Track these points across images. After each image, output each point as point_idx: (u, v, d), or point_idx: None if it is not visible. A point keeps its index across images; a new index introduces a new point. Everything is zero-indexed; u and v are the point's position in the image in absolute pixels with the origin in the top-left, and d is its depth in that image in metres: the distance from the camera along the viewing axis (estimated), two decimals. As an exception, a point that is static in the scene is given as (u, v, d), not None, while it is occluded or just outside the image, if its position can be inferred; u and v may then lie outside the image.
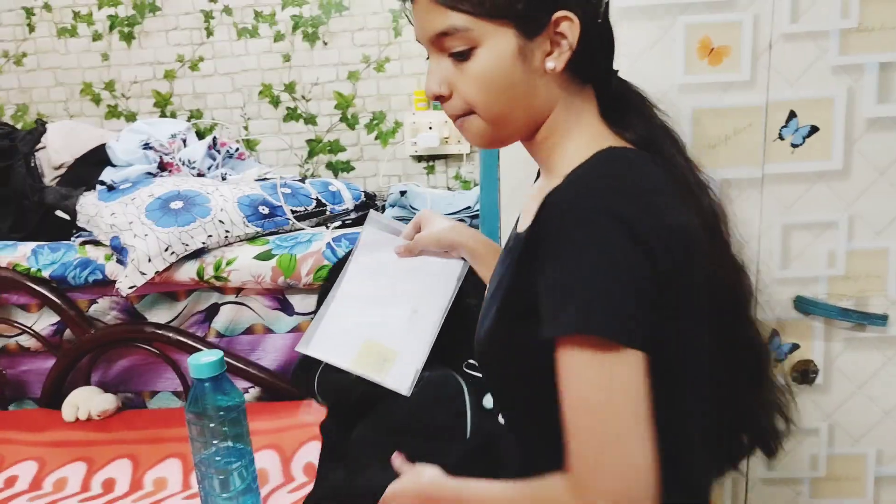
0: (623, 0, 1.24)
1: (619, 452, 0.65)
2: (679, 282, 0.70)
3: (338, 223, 1.63)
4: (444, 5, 0.73)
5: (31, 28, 2.03)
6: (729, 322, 0.81)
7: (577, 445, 0.66)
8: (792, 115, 1.27)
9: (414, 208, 1.59)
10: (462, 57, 0.75)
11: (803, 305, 1.32)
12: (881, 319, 1.30)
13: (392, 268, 1.09)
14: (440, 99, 0.79)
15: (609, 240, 0.67)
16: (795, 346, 1.36)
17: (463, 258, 1.09)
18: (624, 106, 0.83)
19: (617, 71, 0.83)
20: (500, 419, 0.94)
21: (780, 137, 1.28)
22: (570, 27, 0.75)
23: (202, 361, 1.05)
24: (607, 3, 0.79)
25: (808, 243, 1.31)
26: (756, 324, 0.89)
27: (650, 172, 0.76)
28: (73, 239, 1.59)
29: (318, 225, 1.64)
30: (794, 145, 1.28)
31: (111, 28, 1.99)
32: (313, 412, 1.37)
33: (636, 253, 0.67)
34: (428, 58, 0.80)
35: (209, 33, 1.97)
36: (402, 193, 1.60)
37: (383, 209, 1.70)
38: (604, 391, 0.65)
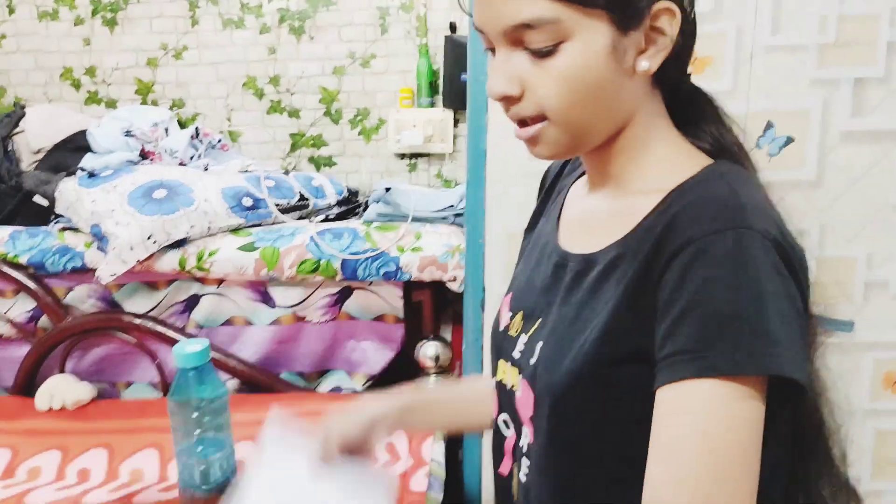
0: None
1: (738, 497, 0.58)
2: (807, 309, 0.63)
3: (321, 217, 1.63)
4: None
5: (11, 10, 2.00)
6: None
7: (692, 494, 0.57)
8: (769, 125, 1.31)
9: (399, 204, 1.60)
10: (544, 53, 0.64)
11: (775, 310, 1.36)
12: (848, 325, 1.35)
13: (305, 477, 0.82)
14: (508, 100, 0.67)
15: (762, 262, 0.59)
16: (766, 350, 1.40)
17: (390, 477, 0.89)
18: (696, 113, 0.74)
19: (690, 73, 0.73)
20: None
21: (758, 146, 1.32)
22: (670, 21, 0.65)
23: (188, 351, 1.05)
24: None
25: (781, 250, 1.36)
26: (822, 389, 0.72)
27: (764, 192, 0.68)
28: (51, 225, 1.58)
29: (300, 219, 1.65)
30: (770, 155, 1.32)
31: (94, 13, 1.97)
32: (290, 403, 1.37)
33: (792, 281, 0.60)
34: (490, 49, 0.68)
35: (194, 22, 1.95)
36: (387, 190, 1.61)
37: (366, 206, 1.71)
38: (741, 428, 0.58)
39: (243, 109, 2.00)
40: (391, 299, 1.55)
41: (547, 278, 0.75)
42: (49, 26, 1.99)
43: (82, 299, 1.54)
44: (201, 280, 1.53)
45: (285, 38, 1.94)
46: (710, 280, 0.58)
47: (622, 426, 0.65)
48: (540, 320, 0.74)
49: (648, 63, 0.65)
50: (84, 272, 1.50)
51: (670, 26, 0.64)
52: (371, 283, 1.52)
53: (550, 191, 0.88)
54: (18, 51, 2.02)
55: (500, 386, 0.78)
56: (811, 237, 1.33)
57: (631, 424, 0.64)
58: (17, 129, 1.77)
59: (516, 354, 0.75)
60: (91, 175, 1.58)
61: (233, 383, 1.53)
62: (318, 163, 2.01)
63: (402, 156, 1.97)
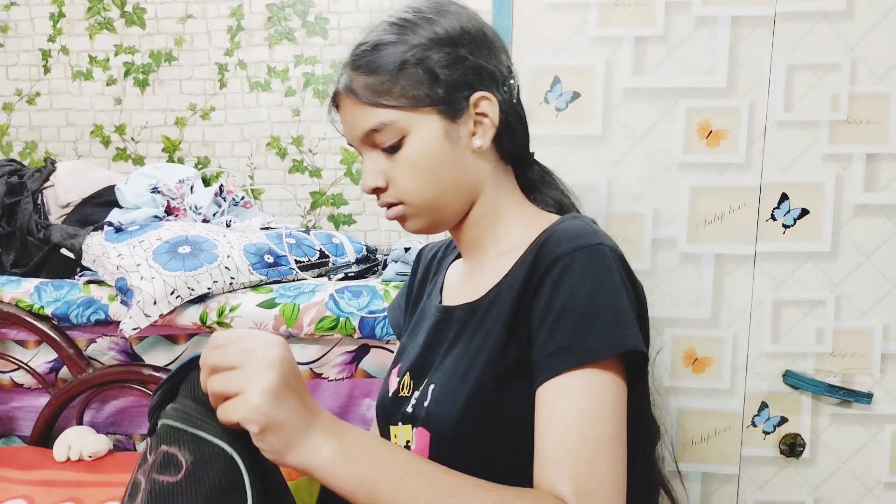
0: (629, 81, 1.32)
1: (618, 466, 0.67)
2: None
3: (340, 275, 1.66)
4: (370, 104, 0.78)
5: (47, 69, 2.07)
6: None
7: (581, 462, 0.65)
8: (784, 197, 1.34)
9: (416, 265, 1.62)
10: (393, 148, 0.79)
11: (792, 380, 1.36)
12: (866, 397, 1.35)
13: None
14: (377, 191, 0.82)
15: (614, 268, 0.72)
16: (784, 420, 1.40)
17: None
18: (541, 183, 0.91)
19: (533, 153, 0.90)
20: None
21: (773, 218, 1.35)
22: (489, 106, 0.81)
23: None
24: (518, 87, 0.86)
25: (797, 320, 1.37)
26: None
27: None
28: (76, 278, 1.61)
29: (320, 276, 1.67)
30: (785, 226, 1.35)
31: (126, 74, 2.05)
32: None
33: (632, 288, 0.74)
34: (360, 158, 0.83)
35: (222, 85, 2.02)
36: (406, 250, 1.64)
37: (385, 264, 1.73)
38: (611, 409, 0.67)
39: (266, 168, 2.05)
40: (407, 359, 1.56)
41: (429, 336, 0.86)
42: (82, 86, 2.06)
43: (103, 351, 1.56)
44: (221, 335, 1.55)
45: (310, 100, 2.01)
46: (576, 287, 0.70)
47: (513, 432, 0.73)
48: (430, 372, 0.83)
49: (481, 141, 0.81)
50: (107, 324, 1.52)
51: (491, 110, 0.81)
52: (388, 341, 1.53)
53: (428, 272, 1.01)
54: (51, 108, 2.09)
55: None
56: (827, 308, 1.35)
57: (520, 429, 0.72)
58: (47, 184, 1.82)
59: (409, 409, 0.83)
60: (118, 230, 1.62)
61: (247, 439, 1.53)
62: (337, 221, 2.05)
63: (420, 216, 2.01)
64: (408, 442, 0.81)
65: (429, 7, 0.81)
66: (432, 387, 0.80)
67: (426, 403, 0.79)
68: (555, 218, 0.84)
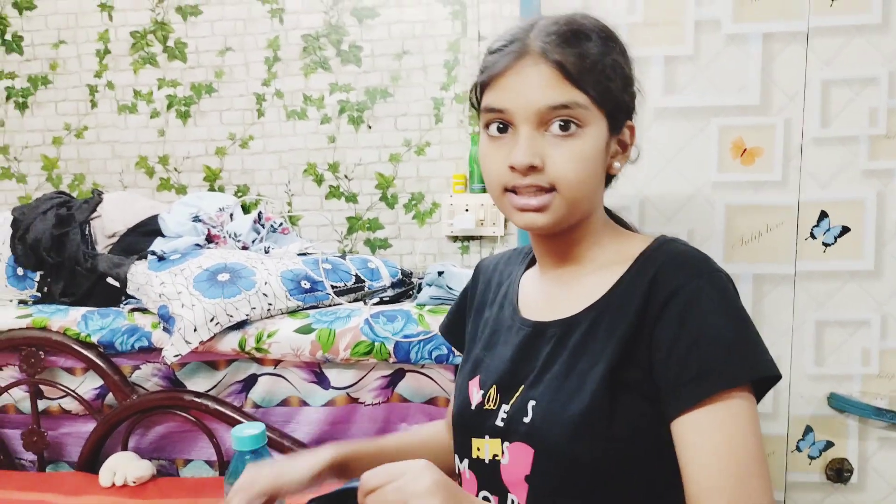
0: (660, 101, 1.31)
1: (768, 483, 0.70)
2: None
3: (376, 300, 1.67)
4: (572, 82, 0.75)
5: (94, 104, 2.15)
6: None
7: (740, 488, 0.69)
8: (823, 215, 1.31)
9: (451, 288, 1.63)
10: (569, 133, 0.76)
11: (837, 403, 1.32)
12: (916, 420, 1.30)
13: None
14: (530, 171, 0.77)
15: (736, 295, 0.75)
16: (830, 444, 1.36)
17: None
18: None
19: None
20: None
21: (812, 236, 1.32)
22: (631, 136, 0.83)
23: (245, 434, 1.08)
24: None
25: (842, 341, 1.33)
26: None
27: None
28: (122, 306, 1.66)
29: (356, 300, 1.69)
30: (825, 244, 1.32)
31: (169, 107, 2.11)
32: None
33: None
34: (500, 126, 0.79)
35: (260, 114, 2.07)
36: (440, 274, 1.64)
37: (419, 287, 1.74)
38: (753, 433, 0.71)
39: (304, 194, 2.09)
40: (443, 382, 1.56)
41: (519, 351, 0.84)
42: (127, 119, 2.14)
43: (147, 378, 1.60)
44: (259, 361, 1.57)
45: (345, 127, 2.05)
46: (707, 316, 0.71)
47: (619, 447, 0.74)
48: (523, 387, 0.81)
49: (619, 165, 0.83)
50: (150, 351, 1.56)
51: (632, 140, 0.83)
52: (423, 365, 1.54)
53: (490, 283, 1.00)
54: (98, 141, 2.17)
55: (478, 463, 0.84)
56: (872, 328, 1.31)
57: (625, 443, 0.74)
58: (95, 214, 1.88)
59: (499, 423, 0.82)
60: (160, 258, 1.66)
61: (286, 464, 1.54)
62: (373, 245, 2.07)
63: (455, 238, 2.02)
64: (495, 455, 0.81)
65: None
66: (532, 403, 0.79)
67: (526, 419, 0.79)
68: (639, 236, 0.85)
